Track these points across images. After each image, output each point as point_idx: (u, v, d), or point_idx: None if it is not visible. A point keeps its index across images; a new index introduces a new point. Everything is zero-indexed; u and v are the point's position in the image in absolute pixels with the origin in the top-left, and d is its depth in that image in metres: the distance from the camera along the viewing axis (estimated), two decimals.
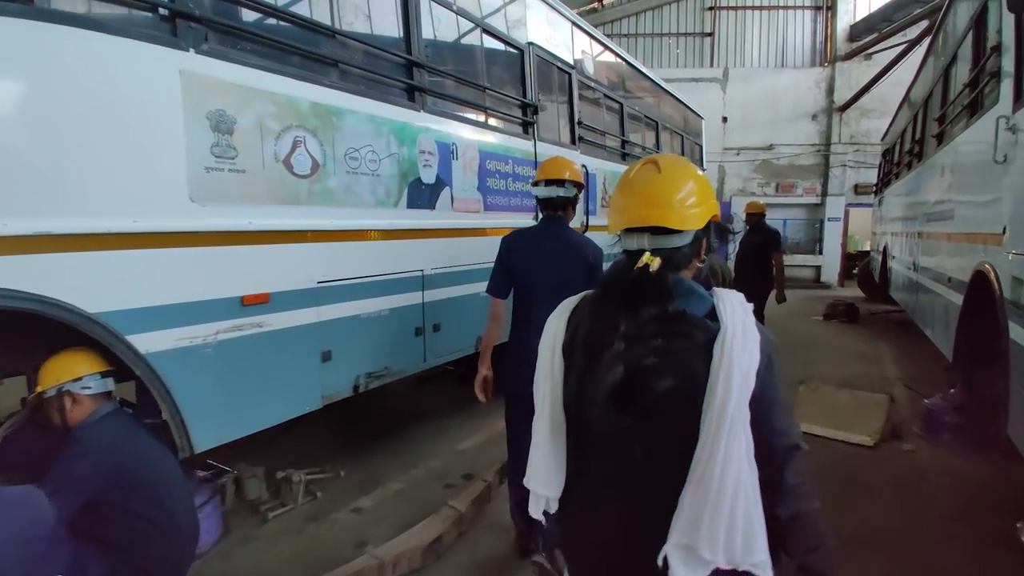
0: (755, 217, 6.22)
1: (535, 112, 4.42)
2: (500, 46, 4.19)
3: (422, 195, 3.30)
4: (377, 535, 2.78)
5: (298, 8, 2.69)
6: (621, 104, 6.24)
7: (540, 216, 2.71)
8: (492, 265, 2.66)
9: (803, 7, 15.57)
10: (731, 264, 6.56)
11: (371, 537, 2.77)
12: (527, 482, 1.28)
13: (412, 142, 3.20)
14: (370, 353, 3.01)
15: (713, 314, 1.07)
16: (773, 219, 7.05)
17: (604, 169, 5.69)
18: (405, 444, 3.97)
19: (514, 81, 4.36)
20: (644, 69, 7.14)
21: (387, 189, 3.04)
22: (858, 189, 15.00)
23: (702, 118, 9.58)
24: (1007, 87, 2.95)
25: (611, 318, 1.11)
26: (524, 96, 4.36)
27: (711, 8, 15.89)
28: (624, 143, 6.30)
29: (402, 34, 3.23)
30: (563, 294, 2.46)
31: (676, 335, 1.06)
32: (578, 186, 2.59)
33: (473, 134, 3.77)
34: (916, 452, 3.86)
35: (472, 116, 3.87)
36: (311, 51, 2.70)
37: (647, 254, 1.09)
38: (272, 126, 2.41)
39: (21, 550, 1.70)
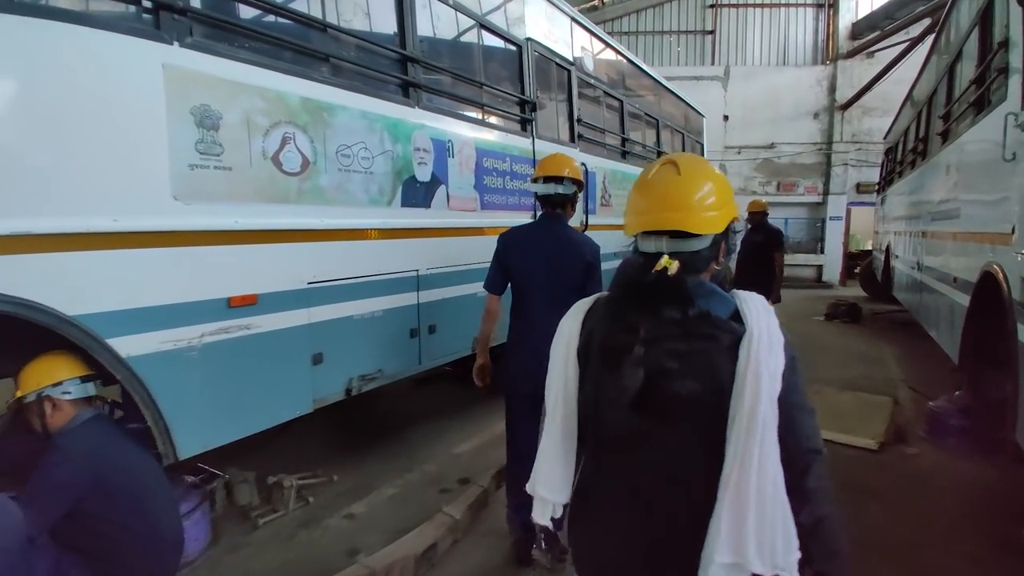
0: (757, 216, 6.15)
1: (533, 109, 4.35)
2: (498, 42, 4.11)
3: (417, 193, 3.22)
4: (370, 542, 2.71)
5: (287, 0, 2.62)
6: (621, 102, 6.17)
7: (539, 215, 2.68)
8: (490, 265, 2.65)
9: (805, 4, 15.51)
10: (731, 264, 6.49)
11: (363, 544, 2.70)
12: (533, 487, 1.26)
13: (407, 139, 3.13)
14: (363, 355, 2.94)
15: (737, 316, 1.06)
16: (774, 218, 6.98)
17: (604, 167, 5.63)
18: (400, 447, 3.90)
19: (512, 77, 4.28)
20: (645, 66, 7.06)
21: (381, 187, 2.97)
22: (860, 188, 14.94)
23: (703, 116, 9.51)
24: (1016, 83, 2.89)
25: (629, 322, 1.09)
26: (522, 93, 4.29)
27: (712, 6, 15.84)
28: (624, 141, 6.23)
29: (396, 28, 3.15)
30: (560, 292, 2.51)
31: (700, 337, 1.05)
32: (577, 184, 2.57)
33: (470, 131, 3.70)
34: (920, 456, 3.79)
35: (469, 113, 3.79)
36: (301, 45, 2.63)
37: (665, 258, 1.06)
38: (260, 122, 2.33)
39: None
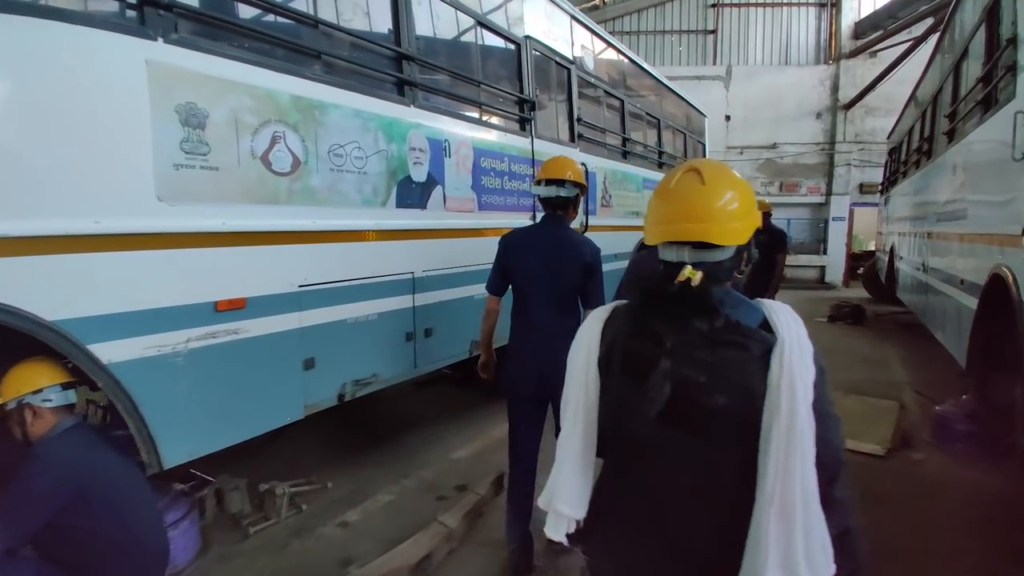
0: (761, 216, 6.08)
1: (532, 108, 4.28)
2: (496, 40, 4.05)
3: (412, 194, 3.16)
4: (363, 552, 2.65)
5: None
6: (622, 101, 6.10)
7: (539, 217, 2.66)
8: (488, 266, 2.64)
9: (807, 4, 15.42)
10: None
11: (357, 554, 2.64)
12: (549, 502, 1.23)
13: (402, 139, 3.06)
14: (357, 360, 2.87)
15: (766, 325, 1.05)
16: (777, 219, 6.92)
17: (604, 168, 5.56)
18: (397, 452, 3.83)
19: (511, 76, 4.22)
20: (646, 65, 6.99)
21: (375, 188, 2.91)
22: (863, 188, 14.85)
23: (705, 116, 9.43)
24: None
25: (654, 332, 1.09)
26: (521, 92, 4.22)
27: (714, 5, 15.76)
28: (625, 141, 6.16)
29: (391, 25, 3.09)
30: (560, 293, 2.48)
31: (730, 345, 1.04)
32: (580, 187, 2.56)
33: (467, 131, 3.63)
34: (927, 461, 3.72)
35: (466, 112, 3.73)
36: (292, 41, 2.56)
37: (689, 268, 1.04)
38: (249, 121, 2.27)
39: None
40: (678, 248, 1.08)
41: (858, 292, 12.17)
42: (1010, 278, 2.85)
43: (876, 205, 12.15)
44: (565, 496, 1.20)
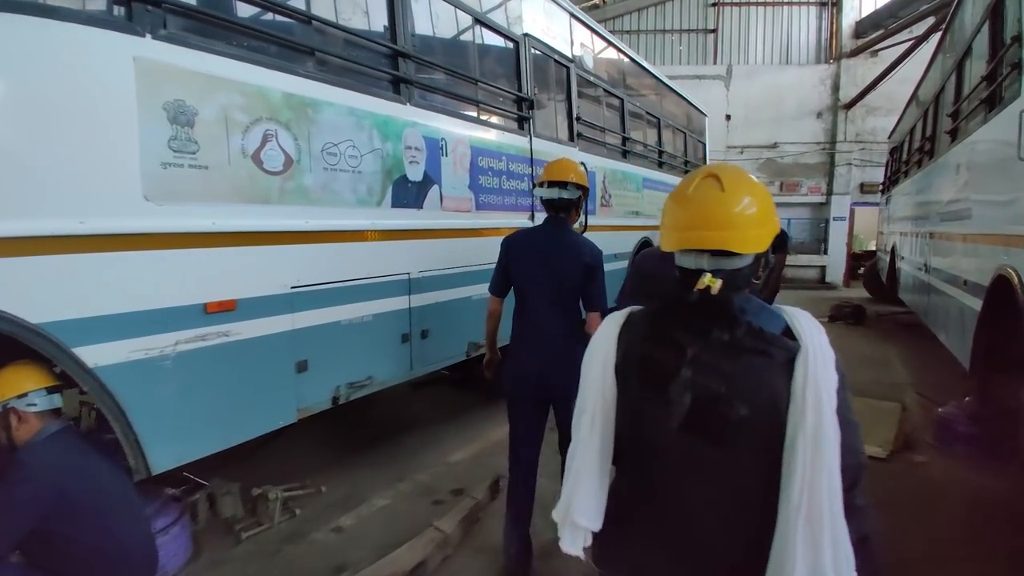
0: None
1: (531, 107, 4.24)
2: (494, 37, 4.00)
3: (408, 193, 3.11)
4: (357, 558, 2.60)
5: None
6: (622, 100, 6.05)
7: (536, 216, 2.62)
8: (486, 267, 2.65)
9: (808, 3, 15.36)
10: None
11: (351, 560, 2.59)
12: (565, 515, 1.18)
13: (397, 137, 3.02)
14: (351, 362, 2.83)
15: (788, 332, 1.04)
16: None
17: (604, 167, 5.51)
18: (393, 456, 3.78)
19: (509, 74, 4.17)
20: (646, 64, 6.94)
21: (369, 187, 2.86)
22: (864, 188, 14.78)
23: (705, 115, 9.39)
24: None
25: (674, 341, 1.07)
26: (519, 90, 4.17)
27: (714, 4, 15.70)
28: (625, 140, 6.11)
29: (387, 22, 3.04)
30: (560, 294, 2.46)
31: (753, 352, 1.03)
32: (582, 189, 2.54)
33: (464, 129, 3.58)
34: (929, 464, 3.67)
35: (463, 111, 3.68)
36: (284, 38, 2.52)
37: (708, 276, 1.03)
38: (239, 118, 2.22)
39: None
40: (696, 255, 1.06)
41: (859, 292, 12.12)
42: (1015, 279, 2.80)
43: (877, 205, 12.10)
44: (584, 508, 1.17)
